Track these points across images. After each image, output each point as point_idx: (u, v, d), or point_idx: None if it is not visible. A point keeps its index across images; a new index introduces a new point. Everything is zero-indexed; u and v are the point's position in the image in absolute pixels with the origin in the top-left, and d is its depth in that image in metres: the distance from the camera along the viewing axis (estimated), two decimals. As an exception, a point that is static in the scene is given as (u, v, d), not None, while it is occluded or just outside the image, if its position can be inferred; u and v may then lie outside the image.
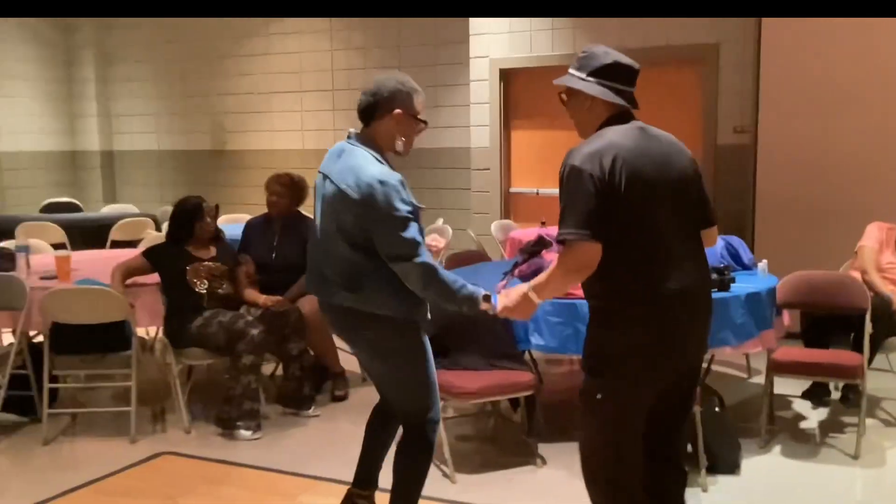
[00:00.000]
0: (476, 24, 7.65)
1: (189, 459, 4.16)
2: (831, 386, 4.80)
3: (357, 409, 4.85)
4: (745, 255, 4.80)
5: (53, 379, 4.47)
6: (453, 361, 4.03)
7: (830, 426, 4.50)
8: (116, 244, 7.23)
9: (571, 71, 2.63)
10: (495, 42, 7.62)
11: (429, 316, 2.96)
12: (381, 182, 2.75)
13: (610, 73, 2.57)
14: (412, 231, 2.75)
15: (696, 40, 6.81)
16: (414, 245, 2.74)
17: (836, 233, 5.41)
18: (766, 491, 3.71)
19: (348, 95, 8.85)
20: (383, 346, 2.92)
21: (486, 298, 2.77)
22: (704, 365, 4.74)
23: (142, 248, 5.55)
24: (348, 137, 2.95)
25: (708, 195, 2.70)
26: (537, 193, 7.68)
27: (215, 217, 4.95)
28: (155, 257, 4.66)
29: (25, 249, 4.97)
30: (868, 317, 4.19)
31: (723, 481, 3.77)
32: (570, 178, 2.46)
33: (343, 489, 3.70)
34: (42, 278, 4.72)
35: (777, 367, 4.20)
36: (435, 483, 3.60)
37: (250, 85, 9.51)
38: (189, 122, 9.98)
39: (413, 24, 8.35)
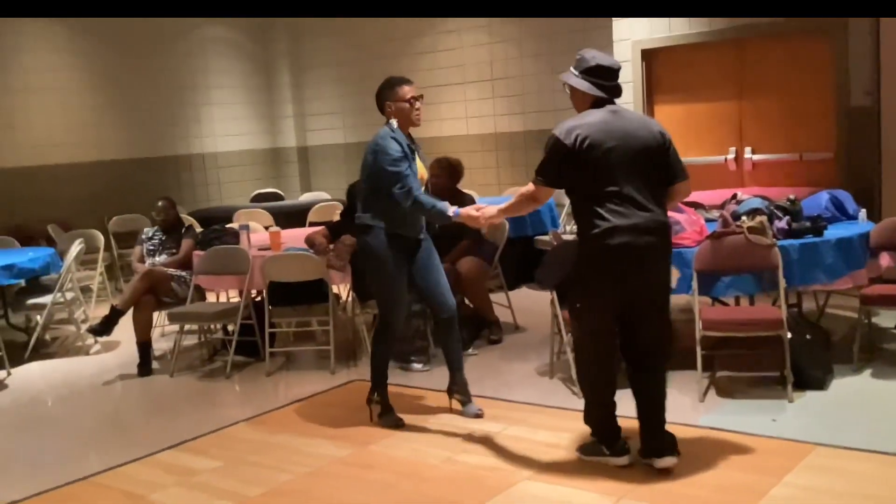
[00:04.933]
0: (617, 10, 8.34)
1: (375, 384, 5.29)
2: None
3: (509, 350, 5.86)
4: (850, 206, 5.34)
5: (272, 326, 5.76)
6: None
7: (930, 355, 5.01)
8: (313, 224, 8.48)
9: (571, 69, 3.67)
10: (636, 25, 8.24)
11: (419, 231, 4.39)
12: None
13: (593, 72, 3.60)
14: (398, 168, 4.13)
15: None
16: (398, 177, 4.12)
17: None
18: (844, 402, 4.36)
19: (506, 83, 9.80)
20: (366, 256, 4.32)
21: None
22: (819, 304, 5.38)
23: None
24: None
25: (673, 160, 3.55)
26: (681, 161, 8.27)
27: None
28: (333, 230, 5.80)
29: (247, 228, 6.27)
30: (956, 254, 4.68)
31: (809, 395, 4.45)
32: (548, 141, 3.56)
33: (489, 402, 4.69)
34: (260, 249, 6.01)
35: (866, 300, 4.78)
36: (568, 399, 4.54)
37: (420, 79, 10.55)
38: (370, 117, 11.12)
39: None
